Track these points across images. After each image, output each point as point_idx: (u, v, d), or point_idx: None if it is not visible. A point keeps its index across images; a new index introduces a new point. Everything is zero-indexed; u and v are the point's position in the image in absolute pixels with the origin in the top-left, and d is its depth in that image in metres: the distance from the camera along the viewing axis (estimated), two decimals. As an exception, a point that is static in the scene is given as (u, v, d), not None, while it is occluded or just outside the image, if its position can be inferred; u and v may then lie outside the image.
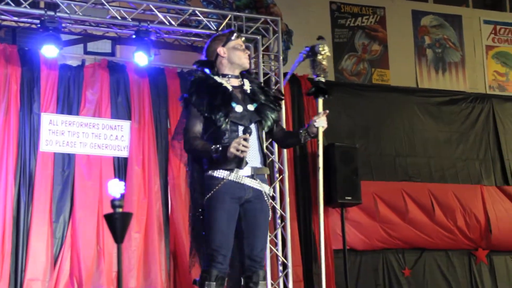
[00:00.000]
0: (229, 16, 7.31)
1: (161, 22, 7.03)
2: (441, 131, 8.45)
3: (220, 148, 3.84)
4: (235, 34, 4.19)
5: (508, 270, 8.22)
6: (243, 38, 4.34)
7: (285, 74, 7.45)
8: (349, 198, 7.18)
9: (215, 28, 7.17)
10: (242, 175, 3.96)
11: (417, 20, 8.85)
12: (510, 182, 8.48)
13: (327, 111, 4.16)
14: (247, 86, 4.16)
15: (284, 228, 7.03)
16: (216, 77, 4.11)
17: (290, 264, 6.94)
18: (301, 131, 4.20)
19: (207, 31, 7.19)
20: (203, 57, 4.26)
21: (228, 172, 3.94)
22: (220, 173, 3.95)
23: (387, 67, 8.59)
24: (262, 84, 4.46)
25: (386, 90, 8.41)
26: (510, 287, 8.15)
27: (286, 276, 6.95)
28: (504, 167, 8.53)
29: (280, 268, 6.98)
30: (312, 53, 4.30)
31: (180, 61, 7.48)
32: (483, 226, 8.03)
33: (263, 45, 7.37)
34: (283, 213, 7.06)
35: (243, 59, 4.15)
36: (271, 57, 7.53)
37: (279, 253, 6.96)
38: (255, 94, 4.14)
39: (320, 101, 4.26)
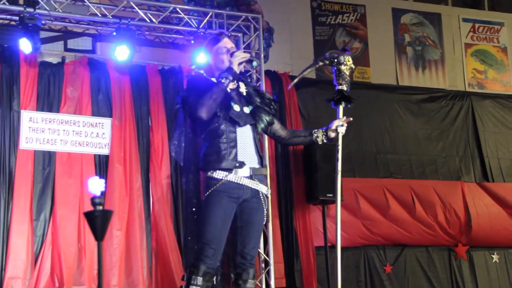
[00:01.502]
0: (210, 13, 7.30)
1: (142, 20, 7.01)
2: (421, 128, 8.50)
3: (225, 71, 4.01)
4: (221, 37, 4.22)
5: (487, 266, 8.27)
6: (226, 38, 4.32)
7: (266, 72, 7.47)
8: (330, 195, 7.18)
9: (196, 26, 7.16)
10: (241, 176, 3.99)
11: (397, 18, 8.89)
12: (490, 179, 8.55)
13: (351, 118, 4.32)
14: (243, 89, 4.20)
15: (266, 225, 7.03)
16: (213, 79, 4.13)
17: (272, 261, 6.96)
18: (315, 132, 4.29)
19: (188, 29, 7.18)
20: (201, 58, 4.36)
21: (227, 173, 3.97)
22: (219, 174, 3.97)
23: (368, 64, 8.63)
24: (258, 87, 4.52)
25: (366, 87, 8.44)
26: (489, 283, 8.21)
27: (268, 273, 6.96)
28: (483, 164, 8.60)
29: (262, 265, 6.99)
30: (337, 62, 4.44)
31: (161, 58, 7.47)
32: (463, 222, 8.08)
33: (244, 42, 7.37)
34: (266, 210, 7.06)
35: (226, 62, 4.14)
36: (252, 54, 7.52)
37: (261, 250, 6.96)
38: (250, 97, 4.18)
39: (341, 108, 4.40)
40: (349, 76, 4.49)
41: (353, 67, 4.52)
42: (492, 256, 8.32)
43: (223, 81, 3.97)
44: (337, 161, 4.38)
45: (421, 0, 9.08)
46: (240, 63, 4.07)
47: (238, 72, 4.07)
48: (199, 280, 3.88)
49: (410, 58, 8.84)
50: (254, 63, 4.29)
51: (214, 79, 4.11)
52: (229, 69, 4.03)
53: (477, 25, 9.23)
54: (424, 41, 8.93)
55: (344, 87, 4.44)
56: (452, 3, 9.25)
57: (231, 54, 4.09)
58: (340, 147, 4.37)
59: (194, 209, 4.04)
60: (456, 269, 8.11)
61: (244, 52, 4.11)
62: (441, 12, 9.10)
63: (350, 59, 4.46)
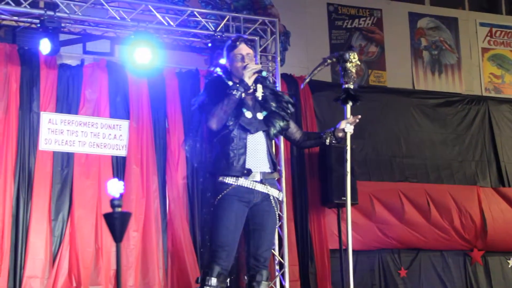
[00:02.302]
0: (227, 17, 7.33)
1: (160, 23, 7.05)
2: (437, 132, 8.48)
3: (237, 84, 4.02)
4: (237, 42, 4.21)
5: (503, 271, 8.23)
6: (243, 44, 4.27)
7: (282, 75, 7.49)
8: (345, 198, 7.17)
9: (213, 29, 7.19)
10: (252, 180, 4.02)
11: (413, 22, 8.87)
12: (506, 184, 8.50)
13: (359, 117, 4.26)
14: (259, 93, 4.17)
15: (281, 228, 7.04)
16: (229, 82, 4.14)
17: (286, 264, 6.96)
18: (323, 134, 4.29)
19: (205, 32, 7.21)
20: (221, 61, 4.33)
21: (237, 178, 4.00)
22: (230, 180, 4.01)
23: (384, 68, 8.61)
24: (276, 89, 4.47)
25: (382, 91, 8.44)
26: (504, 287, 8.17)
27: (283, 275, 6.97)
28: (499, 169, 8.55)
29: (277, 267, 6.99)
30: (342, 60, 4.39)
31: (179, 61, 7.49)
32: (479, 227, 8.04)
33: (260, 46, 7.39)
34: (280, 213, 7.07)
35: (240, 71, 4.14)
36: (268, 58, 7.54)
37: (276, 253, 6.98)
38: (266, 101, 4.17)
39: (348, 107, 4.36)
40: (356, 73, 4.43)
41: (359, 63, 4.44)
42: (508, 261, 8.27)
43: (234, 92, 3.99)
44: (346, 162, 4.36)
45: (438, 4, 9.05)
46: (253, 73, 4.07)
47: (250, 83, 4.06)
48: (213, 281, 3.90)
49: (427, 62, 8.81)
50: (264, 73, 4.21)
51: (231, 83, 4.13)
52: (241, 81, 4.04)
53: (494, 30, 9.19)
54: (441, 45, 8.91)
55: (351, 86, 4.38)
56: (469, 7, 9.22)
57: (244, 67, 4.09)
58: (348, 147, 4.34)
59: (212, 208, 4.06)
60: (471, 273, 8.07)
61: (256, 63, 4.13)
62: (458, 17, 9.06)
63: (356, 56, 4.40)
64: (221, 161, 4.03)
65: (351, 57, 4.38)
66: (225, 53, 4.27)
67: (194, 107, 4.22)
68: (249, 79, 4.05)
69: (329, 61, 4.54)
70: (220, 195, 4.00)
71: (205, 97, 4.14)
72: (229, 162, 4.00)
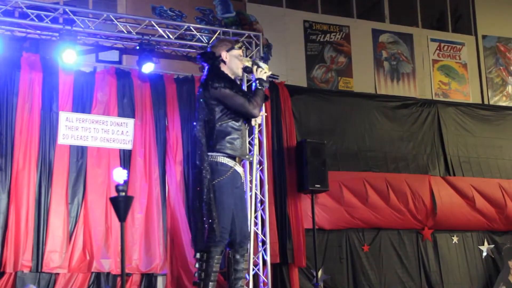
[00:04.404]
0: (218, 31, 7.33)
1: (161, 36, 7.04)
2: (395, 130, 8.48)
3: (264, 81, 4.11)
4: (239, 45, 4.19)
5: (448, 246, 8.25)
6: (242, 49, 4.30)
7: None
8: (318, 185, 7.19)
9: (207, 41, 7.20)
10: (239, 164, 4.02)
11: (376, 37, 8.88)
12: (451, 173, 8.54)
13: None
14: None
15: (263, 210, 7.05)
16: (232, 76, 4.15)
17: (268, 241, 6.97)
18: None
19: (200, 44, 7.23)
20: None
21: (235, 162, 3.97)
22: (230, 162, 3.95)
23: (351, 76, 8.62)
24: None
25: (350, 95, 8.43)
26: (450, 260, 8.21)
27: (265, 251, 6.98)
28: (446, 161, 8.57)
29: (260, 244, 7.00)
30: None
31: (177, 68, 7.48)
32: (429, 209, 8.07)
33: (246, 56, 7.39)
34: (262, 198, 7.09)
35: (239, 69, 4.15)
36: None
37: (259, 232, 6.99)
38: None
39: (254, 69, 4.22)
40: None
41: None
42: (453, 238, 8.31)
43: (261, 88, 4.07)
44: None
45: (397, 23, 9.08)
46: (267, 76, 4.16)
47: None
48: (219, 258, 3.89)
49: (387, 71, 8.84)
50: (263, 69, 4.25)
51: (232, 76, 4.11)
52: (261, 79, 4.10)
53: (442, 44, 9.22)
54: (399, 57, 8.94)
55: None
56: (422, 25, 9.24)
57: (256, 68, 4.13)
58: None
59: (206, 190, 3.86)
60: (422, 248, 8.09)
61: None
62: (413, 33, 9.08)
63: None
64: (226, 142, 3.96)
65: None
66: (223, 48, 4.13)
67: (216, 85, 3.98)
68: (266, 79, 4.14)
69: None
70: (221, 178, 3.91)
71: (222, 81, 3.98)
72: (234, 146, 3.97)
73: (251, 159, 4.20)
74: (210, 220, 3.82)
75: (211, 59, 4.10)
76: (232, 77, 4.14)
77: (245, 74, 7.18)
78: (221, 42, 4.21)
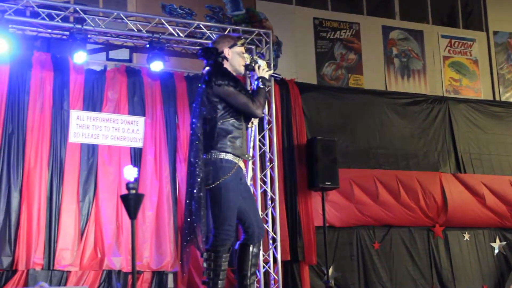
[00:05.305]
0: (228, 29, 7.31)
1: (171, 34, 7.03)
2: (406, 127, 8.45)
3: (267, 80, 4.05)
4: (241, 41, 4.13)
5: (460, 244, 8.22)
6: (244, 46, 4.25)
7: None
8: (329, 183, 7.18)
9: (217, 40, 7.16)
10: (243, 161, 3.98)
11: (386, 34, 8.85)
12: (462, 170, 8.49)
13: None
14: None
15: (274, 208, 7.04)
16: (234, 73, 4.10)
17: (278, 238, 6.96)
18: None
19: (210, 42, 7.15)
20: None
21: (239, 158, 3.92)
22: (235, 158, 3.88)
23: (361, 73, 8.59)
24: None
25: (360, 92, 8.41)
26: (461, 257, 8.17)
27: (275, 248, 6.97)
28: (457, 158, 8.53)
29: (271, 241, 6.98)
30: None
31: (187, 67, 7.48)
32: (440, 206, 8.03)
33: (256, 53, 7.37)
34: (273, 195, 7.07)
35: (241, 66, 4.10)
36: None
37: (270, 229, 6.98)
38: None
39: (256, 67, 4.16)
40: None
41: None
42: (464, 235, 8.27)
43: (264, 87, 4.01)
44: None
45: (407, 19, 9.04)
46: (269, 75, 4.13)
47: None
48: (227, 256, 3.86)
49: (397, 68, 8.80)
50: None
51: (235, 74, 4.05)
52: (263, 78, 4.04)
53: (453, 41, 9.17)
54: (409, 54, 8.90)
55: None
56: (432, 22, 9.19)
57: (257, 65, 4.08)
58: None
59: (198, 188, 3.77)
60: (433, 246, 8.06)
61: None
62: (423, 30, 9.04)
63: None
64: (228, 141, 3.90)
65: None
66: (225, 45, 4.07)
67: (219, 82, 3.90)
68: (269, 78, 4.11)
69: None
70: (227, 176, 3.83)
71: (226, 79, 3.91)
72: (235, 144, 3.92)
73: (250, 158, 4.11)
74: (193, 217, 3.74)
75: (214, 55, 4.02)
76: (234, 74, 4.10)
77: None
78: (224, 38, 4.13)
